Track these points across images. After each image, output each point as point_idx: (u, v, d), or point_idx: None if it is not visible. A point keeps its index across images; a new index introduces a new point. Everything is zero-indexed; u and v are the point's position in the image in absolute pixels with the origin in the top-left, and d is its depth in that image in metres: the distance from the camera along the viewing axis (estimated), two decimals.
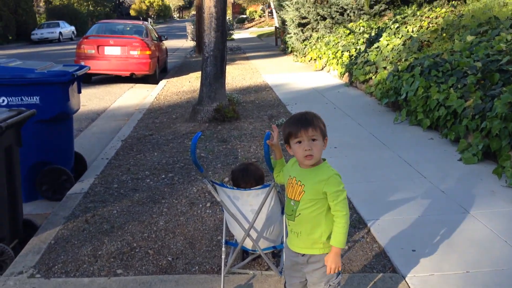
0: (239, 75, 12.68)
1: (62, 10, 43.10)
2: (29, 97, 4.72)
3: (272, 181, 2.51)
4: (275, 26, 25.51)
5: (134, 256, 3.32)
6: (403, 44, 9.27)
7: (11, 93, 4.67)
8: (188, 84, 11.32)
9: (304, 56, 15.05)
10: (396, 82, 7.19)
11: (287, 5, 16.30)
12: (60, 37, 35.19)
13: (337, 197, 2.09)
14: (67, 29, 37.40)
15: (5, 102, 4.65)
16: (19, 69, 4.78)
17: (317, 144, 2.09)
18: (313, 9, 15.22)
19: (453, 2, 11.11)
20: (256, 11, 63.47)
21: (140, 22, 15.74)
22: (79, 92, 5.36)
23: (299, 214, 2.17)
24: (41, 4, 51.17)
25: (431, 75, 6.43)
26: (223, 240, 2.86)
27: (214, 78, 7.29)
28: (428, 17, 10.56)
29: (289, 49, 17.56)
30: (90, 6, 49.69)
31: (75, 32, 38.55)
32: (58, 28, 35.61)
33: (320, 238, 2.17)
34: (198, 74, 11.68)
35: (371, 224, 3.63)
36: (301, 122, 2.10)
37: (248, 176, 2.77)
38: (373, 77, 8.85)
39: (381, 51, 9.62)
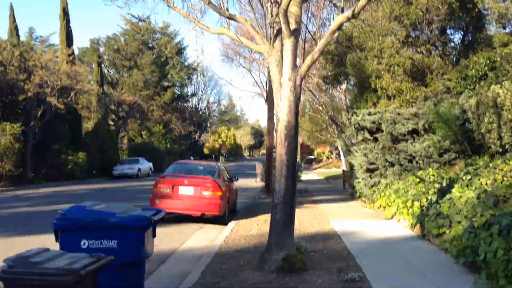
0: (306, 220, 12.66)
1: (143, 147, 46.59)
2: (108, 241, 4.95)
3: None
4: (343, 170, 25.88)
5: None
6: (478, 198, 9.01)
7: (92, 236, 4.94)
8: (256, 228, 11.41)
9: (373, 203, 14.92)
10: (472, 240, 6.85)
11: (355, 150, 16.65)
12: (138, 173, 37.62)
13: None
14: (145, 165, 40.06)
15: (86, 245, 4.90)
16: (102, 212, 5.10)
17: None
18: (381, 155, 15.42)
19: None
20: (323, 152, 65.22)
21: (214, 163, 16.51)
22: (154, 236, 5.56)
23: None
24: (125, 141, 55.89)
25: (511, 235, 6.12)
26: None
27: (283, 226, 7.33)
28: (502, 169, 10.35)
29: (357, 194, 17.54)
30: (168, 144, 53.44)
31: (152, 168, 41.12)
32: (137, 165, 38.27)
33: None
34: (266, 217, 11.84)
35: None
36: None
37: None
38: (447, 231, 8.53)
39: (454, 203, 9.37)
